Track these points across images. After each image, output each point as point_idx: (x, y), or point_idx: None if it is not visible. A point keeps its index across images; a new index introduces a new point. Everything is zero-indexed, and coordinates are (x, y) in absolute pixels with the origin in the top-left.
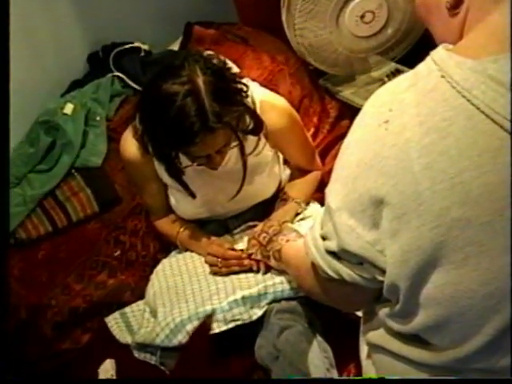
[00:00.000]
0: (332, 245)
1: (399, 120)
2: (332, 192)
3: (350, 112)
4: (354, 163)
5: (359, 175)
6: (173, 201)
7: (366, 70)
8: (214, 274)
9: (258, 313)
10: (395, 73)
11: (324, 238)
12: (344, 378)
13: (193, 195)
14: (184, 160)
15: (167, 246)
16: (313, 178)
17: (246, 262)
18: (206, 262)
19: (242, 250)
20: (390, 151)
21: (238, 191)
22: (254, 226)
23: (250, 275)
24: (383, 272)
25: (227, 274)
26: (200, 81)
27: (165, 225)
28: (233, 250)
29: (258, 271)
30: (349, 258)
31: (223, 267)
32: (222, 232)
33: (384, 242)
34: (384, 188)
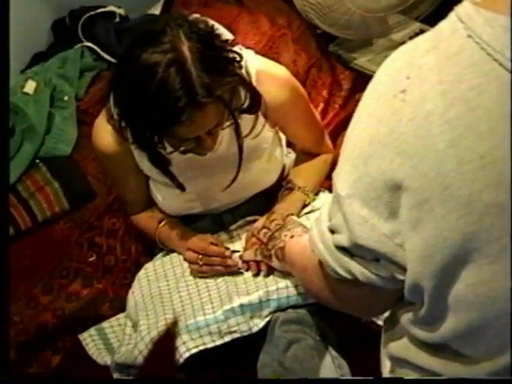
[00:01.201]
0: (342, 239)
1: (418, 89)
2: (341, 176)
3: (365, 83)
4: (365, 141)
5: (372, 155)
6: (158, 197)
7: (384, 32)
8: (198, 275)
9: (259, 324)
10: (420, 34)
11: (333, 232)
12: (344, 378)
13: (182, 187)
14: (169, 146)
15: (152, 248)
16: (322, 162)
17: (230, 261)
18: (185, 259)
19: (234, 251)
20: (408, 126)
21: (233, 180)
22: (254, 221)
23: (249, 279)
24: (404, 269)
25: (221, 276)
26: (185, 48)
27: (143, 220)
28: (215, 245)
29: (258, 274)
30: (363, 254)
31: (204, 265)
32: (216, 229)
33: (404, 233)
34: (402, 170)
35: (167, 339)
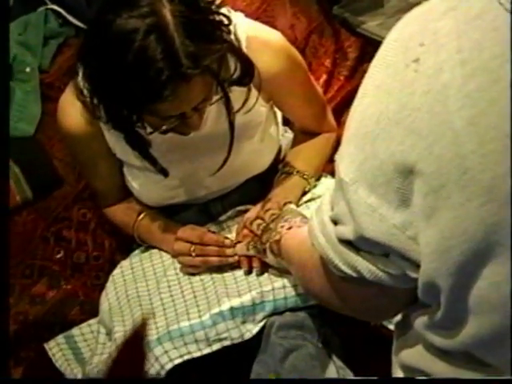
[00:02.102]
0: (346, 231)
1: (433, 58)
2: (344, 159)
3: (374, 51)
4: (372, 118)
5: (380, 135)
6: (134, 185)
7: None
8: (188, 271)
9: (252, 329)
10: None
11: (336, 223)
12: (344, 378)
13: (164, 173)
14: (149, 125)
15: (128, 243)
16: (324, 142)
17: (230, 251)
18: (174, 250)
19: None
20: (422, 101)
21: (224, 163)
22: (246, 210)
23: (241, 278)
24: (417, 266)
25: (208, 273)
26: (167, 12)
27: (118, 213)
28: (213, 233)
29: (250, 272)
30: (370, 249)
31: (197, 256)
32: (203, 220)
33: (417, 224)
34: (414, 152)
35: (141, 348)
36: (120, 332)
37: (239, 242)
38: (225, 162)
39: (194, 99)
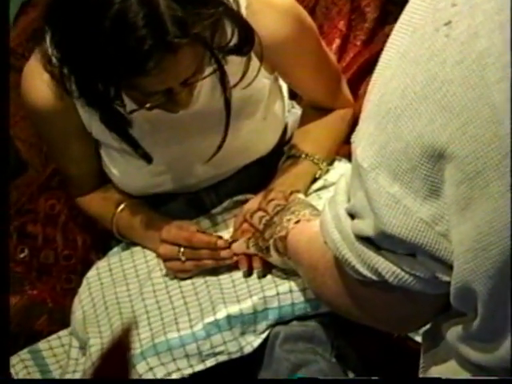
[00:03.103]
0: (365, 226)
1: (468, 21)
2: (362, 141)
3: (398, 12)
4: (396, 93)
5: (405, 112)
6: (113, 170)
7: None
8: (176, 276)
9: (253, 342)
10: None
11: (353, 216)
12: (344, 378)
13: (147, 158)
14: (130, 101)
15: (106, 240)
16: (338, 120)
17: (226, 253)
18: (160, 254)
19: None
20: (455, 72)
21: (219, 146)
22: (245, 201)
23: (239, 281)
24: (449, 268)
25: (200, 276)
26: None
27: (93, 203)
28: (204, 233)
29: (250, 274)
30: (393, 247)
31: (188, 261)
32: (194, 213)
33: (449, 218)
34: (446, 132)
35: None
36: (96, 345)
37: (235, 241)
38: (220, 145)
39: (182, 73)
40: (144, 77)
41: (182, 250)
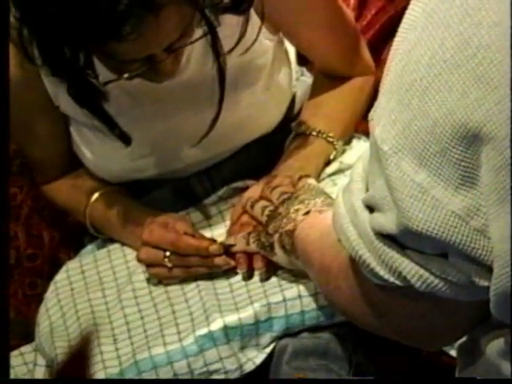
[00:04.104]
0: (387, 221)
1: None
2: (382, 118)
3: None
4: (422, 61)
5: (433, 84)
6: (86, 151)
7: None
8: (160, 282)
9: (255, 358)
10: None
11: (371, 209)
12: (345, 378)
13: (125, 139)
14: (104, 69)
15: (77, 236)
16: (356, 90)
17: (221, 260)
18: (140, 259)
19: (229, 245)
20: (492, 36)
21: (212, 124)
22: (245, 188)
23: (238, 285)
24: (487, 270)
25: (191, 279)
26: None
27: (63, 191)
28: (192, 236)
29: (251, 276)
30: (420, 246)
31: (175, 268)
32: (182, 203)
33: (486, 211)
34: (481, 108)
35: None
36: None
37: (232, 245)
38: (213, 122)
39: (165, 37)
40: (119, 43)
41: (167, 254)
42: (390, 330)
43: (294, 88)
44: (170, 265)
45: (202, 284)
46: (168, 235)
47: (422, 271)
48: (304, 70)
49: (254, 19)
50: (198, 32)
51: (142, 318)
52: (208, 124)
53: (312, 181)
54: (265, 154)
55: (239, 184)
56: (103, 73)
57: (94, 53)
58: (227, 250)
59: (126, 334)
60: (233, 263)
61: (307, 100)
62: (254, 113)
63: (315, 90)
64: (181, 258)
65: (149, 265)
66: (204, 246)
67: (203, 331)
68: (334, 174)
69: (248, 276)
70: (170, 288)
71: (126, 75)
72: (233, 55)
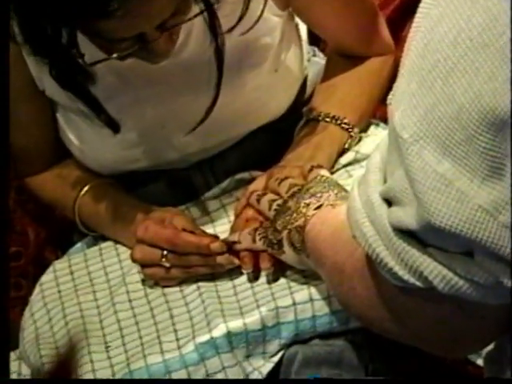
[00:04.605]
0: (407, 216)
1: None
2: (402, 103)
3: None
4: (446, 40)
5: (458, 65)
6: (74, 139)
7: None
8: (157, 284)
9: (262, 368)
10: None
11: (390, 203)
12: (346, 378)
13: (114, 126)
14: (91, 48)
15: (65, 233)
16: (374, 71)
17: (223, 259)
18: (135, 258)
19: (233, 242)
20: None
21: (209, 109)
22: (251, 180)
23: (243, 287)
24: None
25: (191, 281)
26: None
27: (49, 184)
28: (191, 232)
29: (257, 277)
30: (443, 244)
31: (174, 268)
32: (181, 197)
33: None
34: (511, 93)
35: None
36: None
37: (236, 242)
38: (210, 108)
39: (156, 15)
40: (106, 20)
41: (164, 253)
42: (411, 336)
43: (305, 69)
44: (167, 264)
45: (203, 286)
46: (165, 232)
47: (445, 271)
48: (316, 49)
49: None
50: (195, 9)
51: (136, 323)
52: (204, 109)
53: (324, 172)
54: (272, 142)
55: (244, 175)
56: (90, 52)
57: (78, 30)
58: (231, 248)
59: (119, 341)
60: (237, 262)
61: (319, 83)
62: (260, 97)
63: (328, 72)
64: (179, 257)
65: (144, 265)
66: (205, 244)
67: (204, 338)
68: (348, 164)
69: (254, 277)
70: (167, 290)
71: (115, 55)
72: (235, 34)
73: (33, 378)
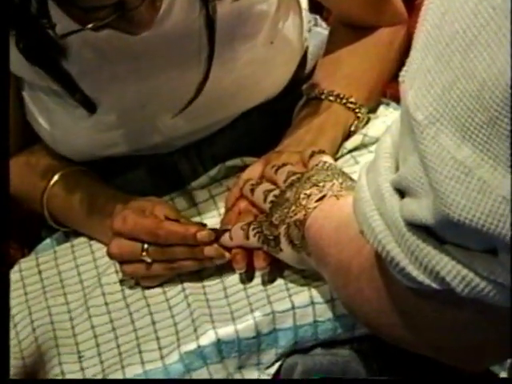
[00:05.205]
0: (421, 209)
1: None
2: (416, 80)
3: None
4: (465, 9)
5: (479, 38)
6: (43, 122)
7: None
8: (139, 283)
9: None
10: None
11: (402, 193)
12: (347, 378)
13: (90, 106)
14: (63, 18)
15: (33, 227)
16: (384, 44)
17: (212, 250)
18: (112, 254)
19: (225, 229)
20: None
21: (200, 87)
22: (244, 167)
23: (235, 288)
24: None
25: (176, 281)
26: None
27: (14, 173)
28: (175, 221)
29: (251, 277)
30: (462, 241)
31: (156, 263)
32: (164, 186)
33: None
34: None
35: None
36: None
37: (227, 230)
38: (201, 85)
39: None
40: None
41: (145, 246)
42: (425, 346)
43: (306, 41)
44: (148, 259)
45: (190, 287)
46: (145, 222)
47: (464, 271)
48: (318, 18)
49: None
50: None
51: (113, 329)
52: (194, 88)
53: (327, 158)
54: (268, 124)
55: (236, 162)
56: (62, 22)
57: None
58: (219, 238)
59: (94, 351)
60: (228, 256)
61: (322, 56)
62: (254, 72)
63: (332, 44)
64: (162, 250)
65: (123, 261)
66: (191, 233)
67: (190, 347)
68: (355, 149)
69: (247, 277)
70: (148, 293)
71: (90, 25)
72: (225, 2)
73: (33, 379)
